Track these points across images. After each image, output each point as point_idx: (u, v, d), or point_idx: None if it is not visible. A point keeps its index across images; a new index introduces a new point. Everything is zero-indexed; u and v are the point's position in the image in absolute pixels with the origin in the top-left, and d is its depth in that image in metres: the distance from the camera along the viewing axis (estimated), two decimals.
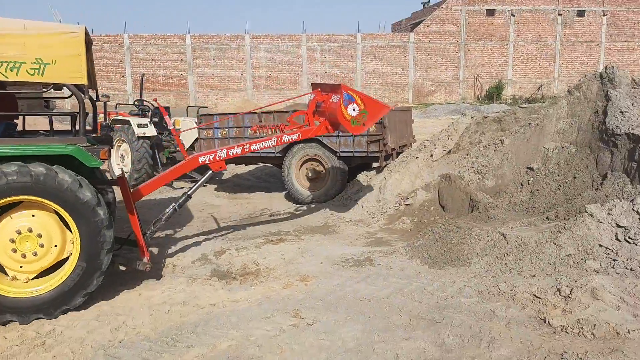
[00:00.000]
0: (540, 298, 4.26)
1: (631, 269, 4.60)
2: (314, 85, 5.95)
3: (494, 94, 33.80)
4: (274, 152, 8.81)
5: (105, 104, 9.08)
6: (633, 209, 4.96)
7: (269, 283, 4.98)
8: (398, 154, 8.88)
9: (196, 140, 10.24)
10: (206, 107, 13.98)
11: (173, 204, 5.57)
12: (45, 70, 4.10)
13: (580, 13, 36.37)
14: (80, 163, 4.25)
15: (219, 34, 32.57)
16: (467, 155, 7.28)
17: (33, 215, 4.26)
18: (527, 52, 36.10)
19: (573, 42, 36.60)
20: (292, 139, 5.59)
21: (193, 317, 4.26)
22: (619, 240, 4.86)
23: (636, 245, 4.78)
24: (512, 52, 35.88)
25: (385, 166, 8.45)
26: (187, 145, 10.72)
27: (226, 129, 9.27)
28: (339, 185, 8.56)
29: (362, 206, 7.79)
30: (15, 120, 5.47)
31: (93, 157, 4.23)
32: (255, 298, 4.59)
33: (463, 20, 34.81)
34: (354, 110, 5.20)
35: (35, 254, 4.26)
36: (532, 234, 5.13)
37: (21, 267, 4.30)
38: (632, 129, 5.68)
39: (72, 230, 4.28)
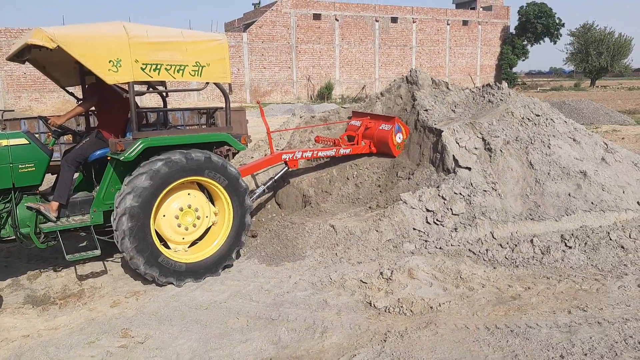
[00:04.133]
0: (366, 283, 4.60)
1: (440, 248, 5.22)
2: (359, 114, 7.40)
3: (324, 94, 35.74)
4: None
5: None
6: (439, 195, 5.64)
7: (94, 303, 4.55)
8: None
9: None
10: (12, 111, 12.25)
11: (262, 185, 6.51)
12: (202, 71, 4.80)
13: (394, 20, 40.37)
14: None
15: (31, 28, 28.81)
16: None
17: (189, 194, 4.94)
18: (351, 54, 38.89)
19: (389, 46, 40.46)
20: (346, 152, 6.91)
21: (1, 354, 3.70)
22: (429, 223, 5.49)
23: (443, 226, 5.45)
24: (338, 54, 38.29)
25: None
26: None
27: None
28: None
29: None
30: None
31: (239, 142, 5.13)
32: (78, 322, 4.15)
33: (293, 23, 36.09)
34: (399, 138, 6.74)
35: (195, 226, 4.99)
36: (357, 224, 5.51)
37: (183, 238, 4.99)
38: (435, 124, 6.46)
39: (224, 201, 5.02)
